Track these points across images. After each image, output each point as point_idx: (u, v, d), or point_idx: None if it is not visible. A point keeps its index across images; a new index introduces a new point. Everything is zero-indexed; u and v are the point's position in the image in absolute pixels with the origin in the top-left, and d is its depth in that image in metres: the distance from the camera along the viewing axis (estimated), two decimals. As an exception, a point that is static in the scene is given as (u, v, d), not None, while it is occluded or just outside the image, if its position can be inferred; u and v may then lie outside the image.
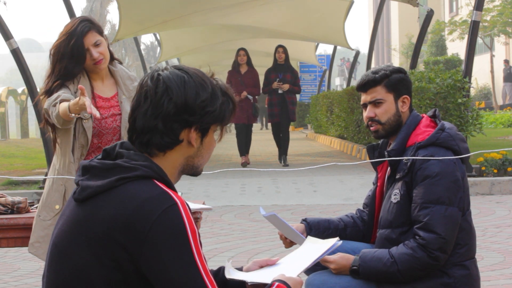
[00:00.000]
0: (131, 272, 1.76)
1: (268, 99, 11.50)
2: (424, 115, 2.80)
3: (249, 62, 11.51)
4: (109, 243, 1.75)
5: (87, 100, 3.03)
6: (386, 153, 2.74)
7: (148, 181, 1.80)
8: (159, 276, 1.74)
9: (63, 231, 1.84)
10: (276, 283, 1.89)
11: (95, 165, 1.84)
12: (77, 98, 3.09)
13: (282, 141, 11.41)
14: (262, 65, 27.54)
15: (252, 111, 11.34)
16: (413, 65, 11.14)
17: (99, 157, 1.89)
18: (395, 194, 2.68)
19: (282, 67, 11.33)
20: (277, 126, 11.48)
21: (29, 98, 19.34)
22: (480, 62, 28.34)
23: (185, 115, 1.85)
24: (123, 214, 1.75)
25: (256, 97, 11.55)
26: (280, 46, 11.52)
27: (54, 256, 1.84)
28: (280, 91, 11.14)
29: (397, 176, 2.69)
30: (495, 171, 8.62)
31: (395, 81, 2.76)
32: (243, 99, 11.15)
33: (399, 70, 2.80)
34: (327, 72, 23.65)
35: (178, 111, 1.84)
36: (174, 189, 1.86)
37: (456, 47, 32.03)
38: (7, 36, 8.99)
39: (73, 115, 3.13)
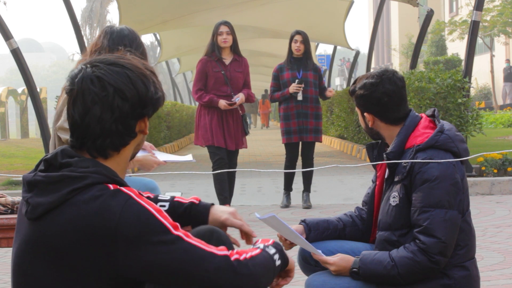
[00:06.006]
0: (108, 281, 1.73)
1: (283, 108, 7.48)
2: (423, 115, 2.78)
3: (235, 46, 6.96)
4: (74, 257, 1.72)
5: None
6: (384, 155, 2.73)
7: (100, 187, 1.76)
8: (155, 270, 1.73)
9: (22, 250, 1.80)
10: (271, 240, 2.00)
11: (40, 179, 1.78)
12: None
13: (304, 172, 7.56)
14: (261, 64, 27.60)
15: (243, 127, 7.01)
16: (413, 65, 11.14)
17: (42, 167, 1.83)
18: (394, 197, 2.67)
19: (300, 62, 7.45)
20: (295, 149, 7.52)
21: (29, 98, 19.33)
22: (480, 62, 28.35)
23: (139, 109, 1.83)
24: (82, 225, 1.71)
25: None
26: (298, 32, 7.42)
27: (18, 277, 1.81)
28: (299, 97, 7.35)
29: (396, 179, 2.68)
30: (495, 171, 8.62)
31: (358, 98, 2.76)
32: (228, 110, 6.85)
33: (363, 87, 2.73)
34: (327, 72, 23.66)
35: (133, 107, 1.81)
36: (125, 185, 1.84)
37: (456, 47, 32.05)
38: (7, 36, 8.99)
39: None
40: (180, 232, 1.76)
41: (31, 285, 1.78)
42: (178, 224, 1.79)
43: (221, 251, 1.82)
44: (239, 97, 6.81)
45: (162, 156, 3.70)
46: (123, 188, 1.77)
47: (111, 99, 1.78)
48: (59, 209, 1.74)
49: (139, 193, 1.80)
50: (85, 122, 1.79)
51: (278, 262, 1.95)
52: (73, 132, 1.83)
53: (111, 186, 1.78)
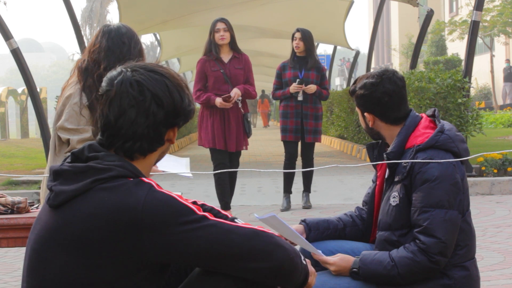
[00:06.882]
0: (134, 266, 1.76)
1: (282, 106, 7.40)
2: (423, 114, 2.78)
3: (233, 43, 6.70)
4: (98, 244, 1.74)
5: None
6: (385, 155, 2.72)
7: (123, 180, 1.80)
8: (186, 250, 1.75)
9: (42, 237, 1.83)
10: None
11: (66, 169, 1.82)
12: None
13: (304, 172, 7.48)
14: (261, 64, 27.60)
15: (244, 127, 6.74)
16: (413, 65, 11.14)
17: (69, 160, 1.87)
18: (394, 197, 2.67)
19: (303, 61, 7.29)
20: (292, 147, 7.41)
21: (29, 98, 19.34)
22: (480, 62, 28.35)
23: (172, 118, 1.87)
24: (106, 213, 1.74)
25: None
26: (297, 30, 7.30)
27: (34, 262, 1.83)
28: (299, 98, 7.23)
29: (396, 179, 2.68)
30: (495, 171, 8.62)
31: (358, 98, 2.77)
32: (229, 108, 6.59)
33: (363, 86, 2.74)
34: (327, 72, 23.67)
35: (167, 116, 1.85)
36: None
37: (456, 47, 32.04)
38: (7, 36, 8.99)
39: None
40: (205, 213, 1.81)
41: (49, 270, 1.79)
42: (200, 207, 1.84)
43: (247, 225, 1.87)
44: (233, 92, 6.52)
45: (161, 162, 3.73)
46: (144, 179, 1.82)
47: (147, 105, 1.82)
48: (82, 198, 1.78)
49: (156, 183, 1.85)
50: (118, 124, 1.83)
51: (304, 262, 1.96)
52: (104, 131, 1.86)
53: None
